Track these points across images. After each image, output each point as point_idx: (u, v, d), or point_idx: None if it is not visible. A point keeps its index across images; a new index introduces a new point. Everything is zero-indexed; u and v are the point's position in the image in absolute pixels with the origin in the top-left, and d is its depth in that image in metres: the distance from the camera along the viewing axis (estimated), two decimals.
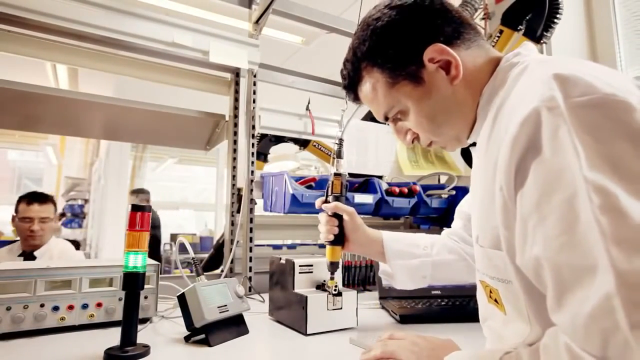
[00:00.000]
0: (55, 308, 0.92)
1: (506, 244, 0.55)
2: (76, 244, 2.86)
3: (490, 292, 0.64)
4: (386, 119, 0.73)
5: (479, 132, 0.66)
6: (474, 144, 0.71)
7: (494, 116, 0.60)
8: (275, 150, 1.78)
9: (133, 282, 0.81)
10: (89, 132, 1.93)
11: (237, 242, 1.51)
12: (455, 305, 1.13)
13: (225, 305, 0.92)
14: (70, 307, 0.94)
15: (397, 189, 1.52)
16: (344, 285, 1.39)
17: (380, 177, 1.72)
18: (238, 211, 1.52)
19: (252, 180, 1.50)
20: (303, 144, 1.73)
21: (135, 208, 0.82)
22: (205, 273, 1.06)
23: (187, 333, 0.89)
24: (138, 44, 1.35)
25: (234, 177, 1.61)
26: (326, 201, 0.96)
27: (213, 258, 1.74)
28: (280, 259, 1.07)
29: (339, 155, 0.97)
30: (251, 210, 1.51)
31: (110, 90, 3.93)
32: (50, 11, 1.21)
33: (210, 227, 6.12)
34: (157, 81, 1.54)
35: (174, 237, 4.95)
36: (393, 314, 1.12)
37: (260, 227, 1.58)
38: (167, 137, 1.82)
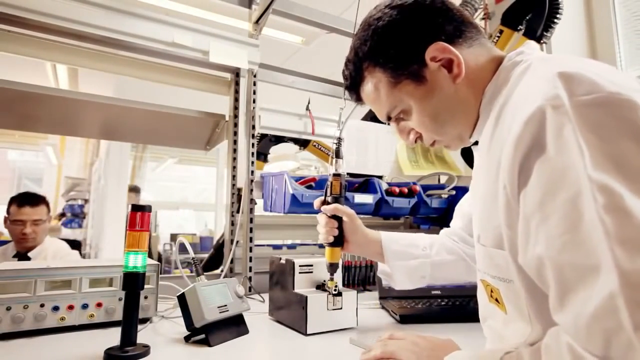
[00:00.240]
0: (55, 308, 0.92)
1: (508, 243, 0.55)
2: (77, 244, 2.85)
3: (491, 291, 0.64)
4: (389, 118, 0.73)
5: (481, 130, 0.66)
6: (475, 143, 0.71)
7: (497, 115, 0.59)
8: (275, 150, 1.78)
9: (133, 282, 0.81)
10: (89, 132, 1.93)
11: (237, 242, 1.51)
12: (455, 305, 1.13)
13: (225, 305, 0.92)
14: (70, 307, 0.94)
15: (397, 189, 1.52)
16: (344, 285, 1.39)
17: (380, 177, 1.72)
18: (238, 211, 1.52)
19: (252, 180, 1.50)
20: (303, 144, 1.73)
21: (135, 208, 0.82)
22: (205, 273, 1.06)
23: (187, 333, 0.89)
24: (138, 44, 1.35)
25: (234, 177, 1.61)
26: (325, 202, 0.95)
27: (213, 258, 1.74)
28: (280, 259, 1.07)
29: (337, 154, 0.96)
30: (251, 210, 1.51)
31: (110, 90, 3.93)
32: (50, 11, 1.21)
33: (210, 227, 6.12)
34: (157, 81, 1.54)
35: (174, 237, 4.95)
36: (393, 314, 1.12)
37: (260, 227, 1.58)
38: (167, 137, 1.82)
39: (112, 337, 0.86)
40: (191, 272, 1.14)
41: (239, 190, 1.58)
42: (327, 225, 0.93)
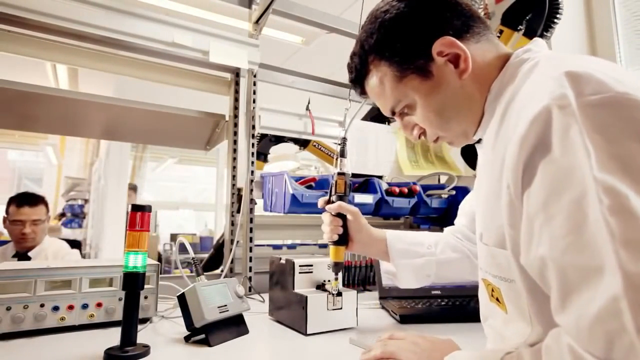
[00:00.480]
0: (55, 308, 0.92)
1: (511, 242, 0.54)
2: (77, 244, 2.85)
3: (492, 290, 0.64)
4: (393, 113, 0.72)
5: (486, 128, 0.65)
6: (479, 141, 0.70)
7: (503, 112, 0.59)
8: (275, 150, 1.78)
9: (133, 282, 0.81)
10: (89, 132, 1.93)
11: (237, 242, 1.51)
12: (455, 305, 1.13)
13: (225, 305, 0.92)
14: (70, 307, 0.94)
15: (397, 189, 1.52)
16: (344, 285, 1.39)
17: (380, 177, 1.72)
18: (238, 211, 1.52)
19: (252, 180, 1.50)
20: (303, 144, 1.73)
21: (135, 208, 0.82)
22: (205, 273, 1.06)
23: (187, 333, 0.89)
24: (138, 44, 1.35)
25: (234, 177, 1.61)
26: (329, 201, 0.95)
27: (213, 258, 1.74)
28: (280, 259, 1.07)
29: (342, 154, 0.96)
30: (251, 210, 1.51)
31: (110, 90, 3.93)
32: (50, 11, 1.20)
33: (210, 227, 6.12)
34: (157, 81, 1.54)
35: (174, 237, 4.95)
36: (393, 314, 1.12)
37: (260, 227, 1.58)
38: (167, 137, 1.82)
39: (112, 337, 0.86)
40: (191, 272, 1.14)
41: (239, 190, 1.58)
42: (332, 223, 0.93)
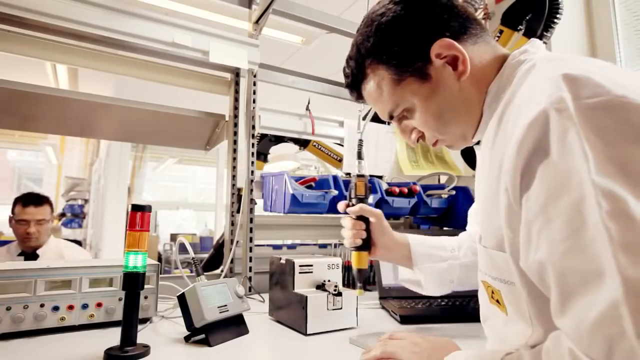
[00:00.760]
0: (55, 308, 0.92)
1: (510, 245, 0.54)
2: (77, 244, 2.87)
3: (492, 292, 0.64)
4: (391, 117, 0.71)
5: (484, 130, 0.65)
6: (478, 143, 0.70)
7: (500, 115, 0.59)
8: (275, 150, 1.78)
9: (133, 282, 0.81)
10: (89, 132, 1.93)
11: (237, 242, 1.51)
12: (455, 305, 1.13)
13: (225, 305, 0.92)
14: (70, 307, 0.94)
15: (397, 189, 1.52)
16: (344, 285, 1.39)
17: (380, 177, 1.72)
18: (238, 211, 1.52)
19: (252, 180, 1.50)
20: (303, 144, 1.73)
21: (135, 208, 0.82)
22: (205, 273, 1.06)
23: (187, 333, 0.89)
24: (138, 44, 1.35)
25: (234, 177, 1.61)
26: (350, 204, 0.92)
27: (213, 258, 1.74)
28: (280, 259, 1.07)
29: (359, 156, 0.94)
30: (251, 210, 1.51)
31: (110, 90, 3.93)
32: (50, 11, 1.20)
33: (210, 227, 6.13)
34: (157, 81, 1.54)
35: (174, 237, 4.95)
36: (393, 314, 1.12)
37: (260, 227, 1.58)
38: (167, 137, 1.82)
39: (112, 337, 0.86)
40: (191, 272, 1.14)
41: (239, 190, 1.58)
42: (354, 227, 0.89)
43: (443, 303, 1.15)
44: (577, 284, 0.42)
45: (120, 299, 0.98)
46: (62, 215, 4.85)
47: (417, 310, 1.11)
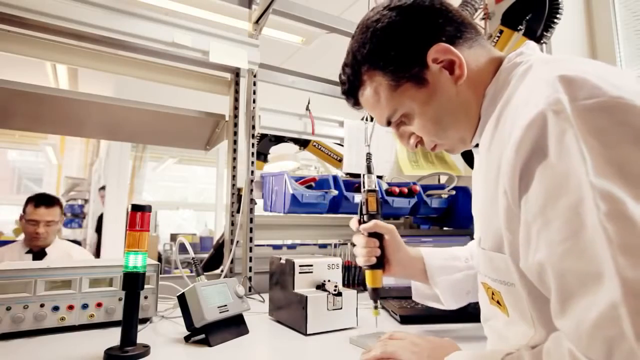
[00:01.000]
0: (55, 308, 0.92)
1: (510, 247, 0.54)
2: (77, 244, 2.90)
3: (492, 294, 0.64)
4: (389, 123, 0.71)
5: (482, 133, 0.65)
6: (476, 146, 0.70)
7: (497, 117, 0.59)
8: (275, 150, 1.78)
9: (133, 282, 0.81)
10: (89, 132, 1.93)
11: (237, 242, 1.51)
12: None
13: (225, 305, 0.92)
14: (70, 307, 0.94)
15: (397, 189, 1.52)
16: (344, 285, 1.39)
17: (380, 177, 1.72)
18: (238, 211, 1.52)
19: (252, 180, 1.50)
20: (303, 144, 1.73)
21: (135, 208, 0.82)
22: (205, 273, 1.06)
23: (187, 333, 0.89)
24: (138, 44, 1.35)
25: (234, 177, 1.61)
26: (361, 221, 0.89)
27: (213, 258, 1.74)
28: (280, 259, 1.07)
29: (369, 170, 0.91)
30: (251, 210, 1.51)
31: (110, 90, 3.93)
32: (50, 11, 1.20)
33: (210, 227, 6.13)
34: (157, 81, 1.54)
35: (174, 237, 4.95)
36: (393, 314, 1.12)
37: (260, 227, 1.58)
38: (167, 137, 1.82)
39: (112, 337, 0.86)
40: (191, 272, 1.14)
41: (239, 190, 1.58)
42: (368, 244, 0.86)
43: None
44: (577, 285, 0.42)
45: (120, 299, 0.98)
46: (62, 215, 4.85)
47: (417, 310, 1.11)
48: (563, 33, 1.55)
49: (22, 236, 2.18)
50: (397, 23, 0.65)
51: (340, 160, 1.72)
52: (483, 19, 1.56)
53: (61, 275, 0.95)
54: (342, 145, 1.69)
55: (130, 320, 0.81)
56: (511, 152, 0.49)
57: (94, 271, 0.99)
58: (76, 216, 4.93)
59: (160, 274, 1.08)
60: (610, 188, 0.41)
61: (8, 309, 0.88)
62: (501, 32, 1.40)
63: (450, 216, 1.68)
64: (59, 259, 2.08)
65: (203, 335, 0.88)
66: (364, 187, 0.91)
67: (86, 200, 5.02)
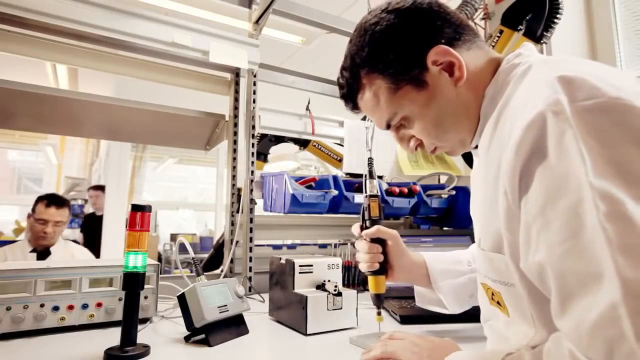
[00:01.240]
0: (55, 308, 0.92)
1: (510, 247, 0.54)
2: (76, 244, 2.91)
3: (492, 294, 0.64)
4: (388, 127, 0.71)
5: (481, 134, 0.65)
6: (476, 147, 0.70)
7: (496, 118, 0.59)
8: (275, 150, 1.78)
9: (133, 282, 0.81)
10: (89, 132, 1.93)
11: (237, 242, 1.51)
12: None
13: (225, 305, 0.92)
14: (70, 307, 0.94)
15: (397, 189, 1.52)
16: (344, 285, 1.39)
17: (380, 177, 1.72)
18: (238, 211, 1.52)
19: (252, 180, 1.50)
20: (303, 144, 1.73)
21: (135, 208, 0.82)
22: (205, 273, 1.06)
23: (187, 333, 0.89)
24: (138, 44, 1.35)
25: (234, 177, 1.61)
26: (364, 227, 0.88)
27: (213, 258, 1.74)
28: (280, 259, 1.07)
29: (371, 175, 0.91)
30: (251, 210, 1.51)
31: (110, 90, 3.93)
32: (50, 11, 1.20)
33: (210, 227, 6.12)
34: (157, 81, 1.54)
35: (174, 237, 4.95)
36: (393, 314, 1.12)
37: (260, 227, 1.58)
38: (167, 137, 1.82)
39: (112, 337, 0.86)
40: (191, 272, 1.14)
41: (239, 190, 1.58)
42: (371, 250, 0.86)
43: None
44: (577, 285, 0.42)
45: (120, 299, 0.98)
46: None
47: (417, 310, 1.10)
48: (563, 33, 1.55)
49: (22, 236, 2.19)
50: (396, 26, 0.65)
51: (340, 160, 1.72)
52: (483, 19, 1.56)
53: (61, 275, 0.95)
54: (342, 145, 1.69)
55: (130, 320, 0.81)
56: (511, 153, 0.49)
57: (94, 271, 0.99)
58: (76, 216, 4.92)
59: (160, 274, 1.08)
60: (609, 188, 0.41)
61: (8, 309, 0.88)
62: (501, 32, 1.40)
63: (450, 216, 1.68)
64: (62, 259, 2.08)
65: (203, 335, 0.88)
66: (366, 192, 0.90)
67: (86, 200, 5.01)
